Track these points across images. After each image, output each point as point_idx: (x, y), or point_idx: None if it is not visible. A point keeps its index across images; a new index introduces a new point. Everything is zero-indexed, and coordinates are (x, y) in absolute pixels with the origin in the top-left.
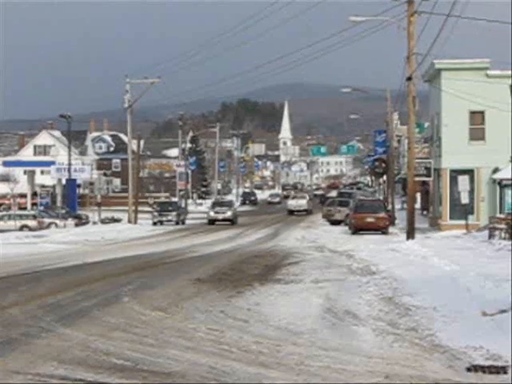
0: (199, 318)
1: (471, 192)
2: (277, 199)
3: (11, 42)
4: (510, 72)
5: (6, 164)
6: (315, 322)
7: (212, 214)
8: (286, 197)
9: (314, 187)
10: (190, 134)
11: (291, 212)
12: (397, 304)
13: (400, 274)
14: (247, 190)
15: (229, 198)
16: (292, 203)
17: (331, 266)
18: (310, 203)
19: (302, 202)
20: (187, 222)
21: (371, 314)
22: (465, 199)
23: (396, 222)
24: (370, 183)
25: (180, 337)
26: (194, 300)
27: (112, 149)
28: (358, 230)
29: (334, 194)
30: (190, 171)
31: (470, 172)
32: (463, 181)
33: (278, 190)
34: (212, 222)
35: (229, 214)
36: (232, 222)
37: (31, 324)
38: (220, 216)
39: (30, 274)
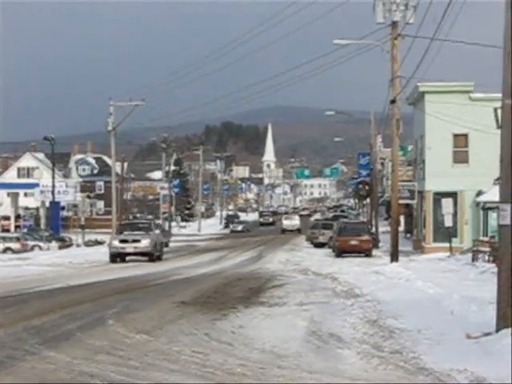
0: (184, 340)
1: (455, 215)
2: (270, 220)
3: None
4: (493, 95)
5: None
6: (300, 344)
7: (117, 243)
8: (262, 224)
9: (301, 208)
10: (174, 156)
11: (284, 231)
12: (381, 327)
13: (384, 296)
14: (231, 213)
15: (144, 221)
16: (286, 223)
17: (315, 288)
18: (301, 223)
19: (294, 222)
20: (171, 244)
21: (356, 337)
22: (448, 222)
23: (380, 244)
24: (353, 206)
25: (165, 359)
26: (179, 323)
27: (96, 171)
28: (341, 252)
29: (318, 216)
30: (173, 194)
31: (453, 195)
32: (447, 203)
33: (269, 209)
34: (116, 257)
35: (145, 243)
36: (151, 256)
37: (16, 346)
38: (130, 248)
39: (14, 296)
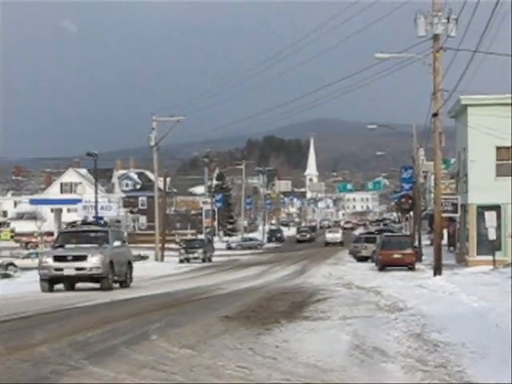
0: (228, 355)
1: (498, 228)
2: (307, 236)
3: (38, 79)
4: None
5: (33, 202)
6: (344, 358)
7: (50, 262)
8: (300, 241)
9: (345, 222)
10: (217, 171)
11: (328, 244)
12: (425, 340)
13: (428, 310)
14: (273, 227)
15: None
16: (329, 236)
17: (359, 302)
18: (344, 236)
19: (337, 236)
20: (214, 259)
21: (400, 351)
22: (492, 235)
23: (423, 258)
24: (396, 219)
25: (209, 374)
26: (223, 337)
27: (138, 186)
28: (384, 266)
29: (361, 230)
30: (216, 208)
31: (496, 208)
32: (490, 217)
33: (306, 224)
34: (50, 283)
35: (93, 262)
36: (103, 281)
37: (60, 362)
38: (70, 269)
39: (58, 311)
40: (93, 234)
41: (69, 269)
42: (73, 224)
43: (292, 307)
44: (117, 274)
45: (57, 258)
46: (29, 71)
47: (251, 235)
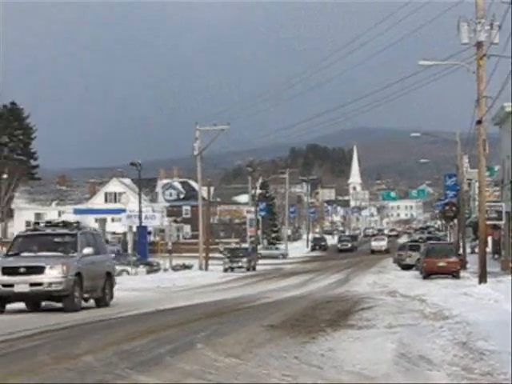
0: (273, 364)
1: None
2: (349, 245)
3: (83, 90)
4: None
5: (77, 212)
6: (389, 367)
7: None
8: (341, 251)
9: (389, 230)
10: (260, 179)
11: (373, 251)
12: (471, 348)
13: (473, 318)
14: (317, 236)
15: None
16: (375, 244)
17: (404, 310)
18: (389, 244)
19: (382, 243)
20: (258, 267)
21: (445, 359)
22: None
23: (467, 265)
24: (440, 227)
25: (255, 383)
26: (268, 346)
27: (182, 196)
28: (429, 274)
29: (405, 238)
30: (260, 217)
31: None
32: None
33: (350, 232)
34: (2, 303)
35: (52, 276)
36: (66, 300)
37: (106, 371)
38: (22, 285)
39: (103, 321)
40: (58, 239)
41: (21, 284)
42: (35, 225)
43: (337, 316)
44: (88, 290)
45: (6, 271)
46: (74, 82)
47: (296, 244)
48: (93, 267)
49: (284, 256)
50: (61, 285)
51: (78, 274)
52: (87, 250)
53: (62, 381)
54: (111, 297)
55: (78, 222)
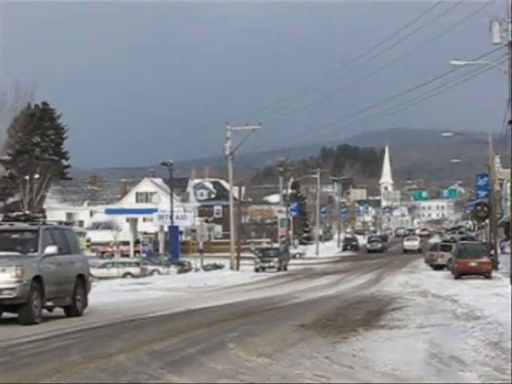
0: (305, 364)
1: None
2: (378, 246)
3: (113, 90)
4: None
5: (108, 212)
6: (421, 367)
7: None
8: (370, 251)
9: (421, 229)
10: (291, 180)
11: (406, 251)
12: (503, 349)
13: (505, 318)
14: (349, 236)
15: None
16: (407, 244)
17: (435, 311)
18: (421, 244)
19: (415, 243)
20: (289, 267)
21: (477, 360)
22: None
23: (499, 266)
24: (471, 227)
25: (286, 383)
26: (299, 346)
27: (213, 195)
28: (460, 274)
29: (437, 238)
30: (291, 217)
31: None
32: None
33: (381, 232)
34: None
35: (6, 279)
36: (22, 309)
37: (138, 371)
38: None
39: (135, 321)
40: (16, 236)
41: None
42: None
43: (368, 316)
44: (52, 298)
45: None
46: (106, 82)
47: (327, 244)
48: (58, 269)
49: (300, 255)
50: (14, 291)
51: (37, 278)
52: (50, 249)
53: (94, 381)
54: (85, 304)
55: (44, 216)
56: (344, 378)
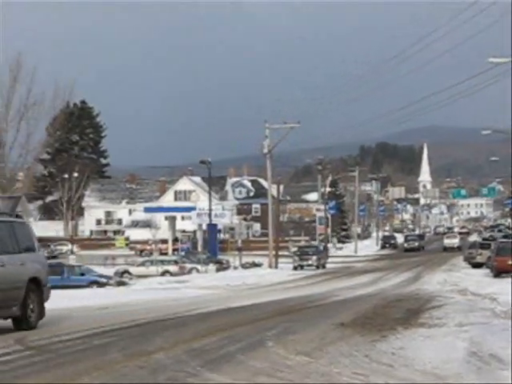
0: (344, 362)
1: None
2: (416, 244)
3: (152, 89)
4: None
5: (147, 210)
6: (460, 366)
7: None
8: (407, 250)
9: (460, 227)
10: (330, 178)
11: (446, 249)
12: None
13: None
14: (387, 234)
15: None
16: (447, 241)
17: (474, 309)
18: (461, 241)
19: (455, 241)
20: (327, 265)
21: None
22: None
23: None
24: (510, 225)
25: (325, 381)
26: (338, 344)
27: (252, 194)
28: (500, 272)
29: (475, 237)
30: (329, 215)
31: None
32: None
33: (420, 231)
34: None
35: None
36: None
37: (177, 369)
38: None
39: (174, 319)
40: None
41: None
42: None
43: (407, 314)
44: None
45: None
46: (144, 81)
47: (365, 242)
48: (4, 273)
49: (339, 251)
50: None
51: None
52: None
53: (133, 379)
54: (41, 315)
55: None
56: (383, 377)
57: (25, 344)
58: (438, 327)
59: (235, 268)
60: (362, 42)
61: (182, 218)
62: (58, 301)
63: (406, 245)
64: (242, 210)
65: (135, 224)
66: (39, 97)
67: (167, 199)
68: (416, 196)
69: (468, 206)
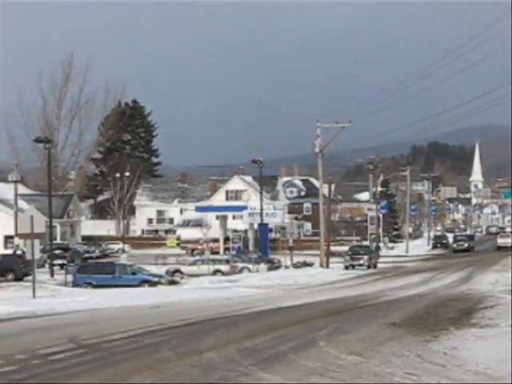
0: (395, 362)
1: None
2: (465, 245)
3: (203, 88)
4: None
5: (198, 209)
6: None
7: None
8: (456, 251)
9: (510, 228)
10: (381, 177)
11: (499, 248)
12: None
13: None
14: (438, 234)
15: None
16: (500, 241)
17: None
18: None
19: (507, 240)
20: (379, 265)
21: None
22: None
23: None
24: None
25: (378, 381)
26: (390, 344)
27: (303, 193)
28: None
29: None
30: (381, 215)
31: None
32: None
33: (469, 231)
34: None
35: None
36: None
37: (229, 368)
38: None
39: (225, 318)
40: None
41: None
42: None
43: (459, 314)
44: None
45: None
46: (195, 80)
47: (417, 242)
48: None
49: (390, 251)
50: None
51: None
52: None
53: (185, 378)
54: None
55: None
56: (435, 377)
57: (77, 343)
58: (490, 327)
59: (286, 267)
60: (414, 41)
61: (234, 217)
62: (110, 299)
63: (455, 246)
64: (293, 209)
65: (186, 223)
66: (91, 96)
67: (218, 198)
68: (468, 196)
69: None
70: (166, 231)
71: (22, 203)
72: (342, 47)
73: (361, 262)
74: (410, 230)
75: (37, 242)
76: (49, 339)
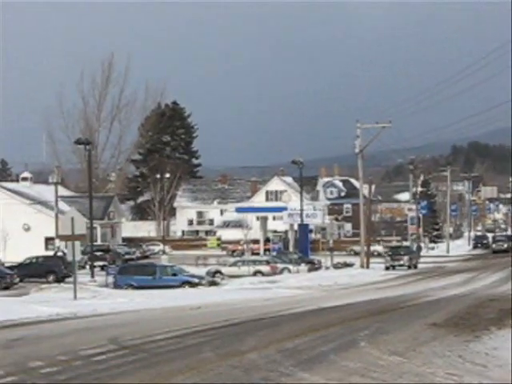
0: (437, 362)
1: None
2: (504, 246)
3: (244, 91)
4: None
5: (239, 210)
6: None
7: None
8: (495, 252)
9: None
10: (421, 177)
11: None
12: None
13: None
14: (479, 234)
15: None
16: None
17: None
18: None
19: None
20: (419, 265)
21: None
22: None
23: None
24: None
25: (419, 381)
26: (431, 344)
27: (343, 194)
28: None
29: None
30: (421, 215)
31: None
32: None
33: (510, 231)
34: None
35: None
36: None
37: (270, 368)
38: None
39: (267, 319)
40: None
41: None
42: None
43: (500, 314)
44: None
45: None
46: (236, 81)
47: (457, 242)
48: None
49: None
50: None
51: None
52: None
53: (227, 378)
54: None
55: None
56: (477, 377)
57: (119, 344)
58: None
59: (327, 268)
60: (454, 39)
61: (274, 218)
62: (151, 301)
63: (494, 246)
64: (334, 210)
65: (227, 224)
66: (131, 97)
67: (259, 199)
68: (508, 196)
69: None
70: (207, 232)
71: (62, 205)
72: (386, 48)
73: (401, 262)
74: (451, 230)
75: (77, 243)
76: (91, 340)
